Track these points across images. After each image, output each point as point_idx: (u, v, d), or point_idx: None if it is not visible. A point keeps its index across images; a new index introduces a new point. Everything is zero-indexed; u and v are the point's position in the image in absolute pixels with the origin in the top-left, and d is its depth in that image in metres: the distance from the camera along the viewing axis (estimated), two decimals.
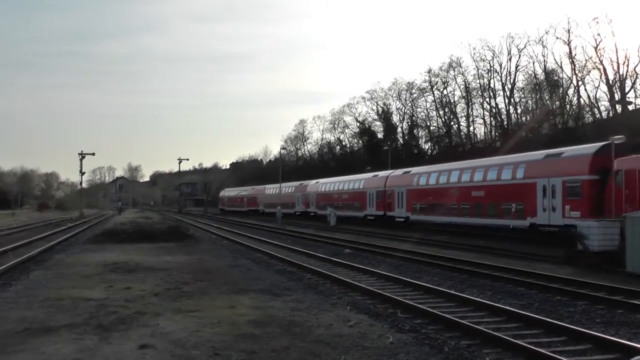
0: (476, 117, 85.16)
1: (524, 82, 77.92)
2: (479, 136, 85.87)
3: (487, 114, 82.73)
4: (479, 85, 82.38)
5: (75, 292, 17.06)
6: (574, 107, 71.07)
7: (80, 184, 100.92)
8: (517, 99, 79.21)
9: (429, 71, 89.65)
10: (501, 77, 78.70)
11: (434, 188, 46.06)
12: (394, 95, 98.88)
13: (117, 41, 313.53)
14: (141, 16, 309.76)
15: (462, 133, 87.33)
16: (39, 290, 17.72)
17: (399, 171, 55.36)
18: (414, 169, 52.23)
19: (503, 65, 78.47)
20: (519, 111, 79.50)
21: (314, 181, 77.58)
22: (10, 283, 19.42)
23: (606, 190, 29.13)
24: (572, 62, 69.40)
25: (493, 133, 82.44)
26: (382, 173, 58.52)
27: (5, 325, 12.60)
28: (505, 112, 79.41)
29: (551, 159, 34.50)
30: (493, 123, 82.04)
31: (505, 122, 78.98)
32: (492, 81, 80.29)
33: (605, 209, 28.77)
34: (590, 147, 32.69)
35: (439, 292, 16.67)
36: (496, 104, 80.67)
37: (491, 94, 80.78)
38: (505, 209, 36.88)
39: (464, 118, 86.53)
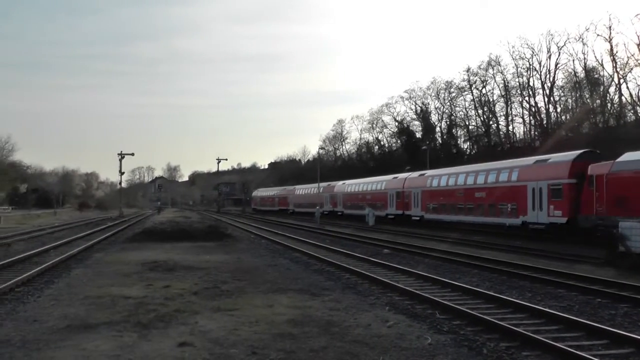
0: (515, 116, 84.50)
1: (563, 81, 77.17)
2: (518, 135, 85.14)
3: (527, 113, 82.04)
4: (518, 83, 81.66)
5: (114, 290, 17.25)
6: (615, 105, 70.15)
7: (120, 183, 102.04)
8: (557, 98, 78.38)
9: (468, 70, 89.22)
10: (540, 75, 77.99)
11: (444, 189, 50.52)
12: (433, 94, 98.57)
13: (151, 43, 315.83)
14: (177, 18, 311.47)
15: (501, 132, 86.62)
16: (79, 288, 17.95)
17: (416, 173, 59.67)
18: (429, 172, 57.05)
19: (542, 64, 77.73)
20: (558, 110, 78.66)
21: (340, 182, 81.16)
22: (52, 280, 19.76)
23: (582, 192, 33.22)
24: (614, 60, 68.49)
25: (532, 132, 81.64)
26: (401, 175, 62.53)
27: (48, 322, 12.80)
28: (544, 111, 78.53)
29: (539, 164, 39.28)
30: (532, 122, 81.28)
31: (544, 121, 78.12)
32: (531, 80, 79.59)
33: (581, 209, 33.17)
34: (571, 154, 37.39)
35: (477, 293, 16.54)
36: (535, 103, 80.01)
37: (530, 92, 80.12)
38: (502, 209, 41.57)
39: (503, 117, 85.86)
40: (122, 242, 37.65)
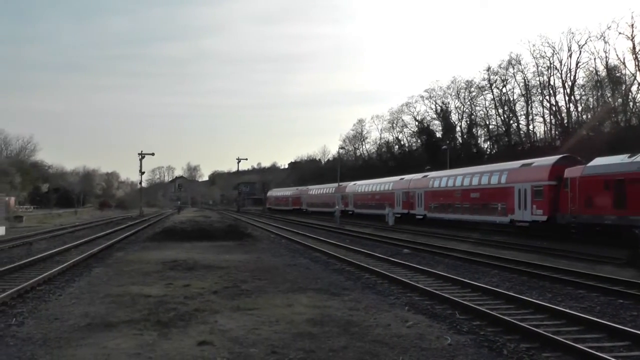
0: (536, 115, 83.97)
1: (584, 79, 76.63)
2: (538, 135, 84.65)
3: (547, 112, 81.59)
4: (538, 82, 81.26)
5: (135, 288, 17.34)
6: (637, 104, 69.60)
7: (140, 183, 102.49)
8: (578, 97, 77.85)
9: (488, 69, 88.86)
10: (561, 74, 77.54)
11: (444, 190, 54.24)
12: (453, 93, 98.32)
13: (176, 43, 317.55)
14: (200, 19, 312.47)
15: (521, 132, 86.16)
16: (100, 286, 18.05)
17: (419, 175, 63.26)
18: (431, 174, 60.82)
19: (563, 62, 77.38)
20: (579, 109, 78.05)
21: (352, 183, 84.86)
22: (73, 279, 19.90)
23: (560, 193, 37.08)
24: (636, 58, 67.97)
25: (553, 132, 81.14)
26: (407, 176, 65.92)
27: (69, 320, 12.89)
28: (565, 110, 78.10)
29: (524, 168, 43.31)
30: (553, 121, 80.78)
31: (565, 121, 77.60)
32: (552, 78, 79.16)
33: (560, 208, 36.87)
34: (551, 159, 41.49)
35: (497, 294, 16.44)
36: (556, 102, 79.58)
37: (551, 91, 79.65)
38: (494, 208, 45.21)
39: (524, 116, 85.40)
40: (142, 241, 37.82)
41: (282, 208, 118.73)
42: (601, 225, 32.92)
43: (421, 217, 58.01)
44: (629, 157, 32.67)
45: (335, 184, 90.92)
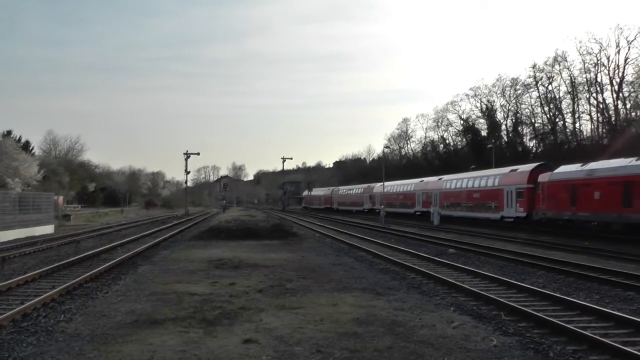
0: (582, 113, 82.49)
1: (633, 76, 74.72)
2: (585, 133, 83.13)
3: (594, 109, 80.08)
4: (585, 79, 79.71)
5: (180, 287, 17.47)
6: None
7: (186, 182, 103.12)
8: (626, 94, 75.98)
9: (534, 66, 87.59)
10: (609, 70, 75.99)
11: (453, 191, 62.00)
12: (498, 91, 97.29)
13: (223, 44, 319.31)
14: (243, 19, 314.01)
15: (567, 130, 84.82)
16: (146, 284, 18.21)
17: (435, 178, 71.13)
18: (445, 177, 67.46)
19: (611, 59, 75.95)
20: (628, 106, 76.30)
21: (379, 184, 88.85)
22: (120, 277, 20.13)
23: (535, 194, 45.31)
24: None
25: (600, 130, 79.70)
26: (426, 179, 73.58)
27: (116, 317, 13.03)
28: (613, 108, 76.61)
29: (511, 173, 51.53)
30: (600, 119, 79.28)
31: (613, 118, 76.20)
32: (599, 75, 77.62)
33: (535, 206, 45.17)
34: (530, 166, 50.25)
35: (544, 295, 16.24)
36: (603, 99, 78.13)
37: (598, 88, 78.16)
38: (489, 206, 53.19)
39: (570, 114, 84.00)
40: (187, 239, 38.09)
41: (315, 207, 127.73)
42: (562, 219, 41.49)
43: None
44: (581, 165, 41.11)
45: (365, 185, 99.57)
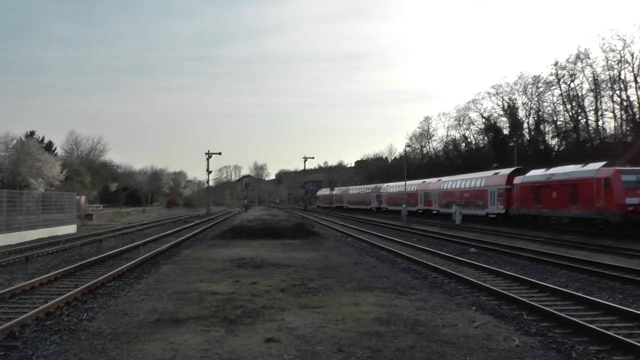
0: (605, 110, 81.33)
1: None
2: (608, 131, 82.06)
3: (617, 107, 79.18)
4: (608, 77, 78.75)
5: (202, 286, 17.53)
6: None
7: (207, 182, 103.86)
8: None
9: (556, 64, 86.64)
10: (633, 67, 74.75)
11: (449, 191, 69.74)
12: (520, 89, 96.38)
13: (241, 44, 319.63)
14: (262, 19, 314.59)
15: (590, 128, 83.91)
16: (168, 283, 18.30)
17: (435, 179, 78.38)
18: (443, 178, 75.08)
19: (635, 55, 74.69)
20: None
21: (385, 184, 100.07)
22: (142, 276, 20.27)
23: (511, 194, 53.18)
24: None
25: (624, 127, 78.84)
26: (427, 180, 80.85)
27: (138, 316, 13.10)
28: (637, 105, 75.62)
29: (494, 175, 59.48)
30: (624, 117, 78.40)
31: (637, 116, 75.36)
32: (622, 72, 76.64)
33: (511, 205, 52.96)
34: (508, 170, 58.18)
35: (566, 294, 16.13)
36: (627, 97, 77.00)
37: (622, 86, 77.05)
38: (477, 204, 60.74)
39: (592, 112, 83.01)
40: (209, 239, 38.23)
41: (327, 205, 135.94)
42: (530, 215, 49.41)
43: (436, 212, 72.53)
44: (545, 170, 49.27)
45: (372, 185, 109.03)
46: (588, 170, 42.23)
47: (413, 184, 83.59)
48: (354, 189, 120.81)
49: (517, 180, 52.11)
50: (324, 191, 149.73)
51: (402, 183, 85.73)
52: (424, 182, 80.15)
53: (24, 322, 12.28)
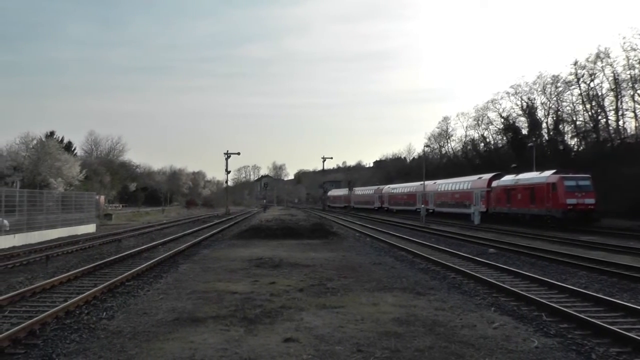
0: (626, 110, 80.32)
1: None
2: (629, 131, 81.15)
3: (638, 107, 78.36)
4: (629, 76, 77.73)
5: (221, 285, 17.58)
6: None
7: (226, 182, 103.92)
8: None
9: (575, 63, 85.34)
10: None
11: (443, 192, 77.65)
12: (539, 89, 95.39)
13: (259, 44, 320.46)
14: (282, 19, 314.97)
15: (610, 128, 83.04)
16: (187, 282, 18.37)
17: (432, 182, 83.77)
18: (439, 181, 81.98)
19: None
20: None
21: (387, 186, 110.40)
22: (161, 275, 20.37)
23: (490, 195, 61.51)
24: None
25: None
26: (427, 182, 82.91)
27: (157, 315, 13.15)
28: None
29: (479, 179, 67.07)
30: None
31: None
32: None
33: (490, 204, 61.26)
34: (489, 175, 65.43)
35: (586, 296, 16.07)
36: None
37: None
38: (465, 204, 67.93)
39: (613, 112, 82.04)
40: (228, 238, 38.33)
41: (336, 205, 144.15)
42: (502, 213, 58.16)
43: (432, 210, 78.34)
44: (514, 176, 58.34)
45: (375, 187, 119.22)
46: (542, 177, 52.21)
47: (412, 186, 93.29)
48: (359, 190, 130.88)
49: (494, 184, 61.71)
50: (334, 192, 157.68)
51: (402, 185, 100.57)
52: (421, 184, 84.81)
53: (44, 321, 12.36)
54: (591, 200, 47.84)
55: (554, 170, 51.72)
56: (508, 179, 59.11)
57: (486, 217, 60.49)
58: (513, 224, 53.97)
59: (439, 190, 79.09)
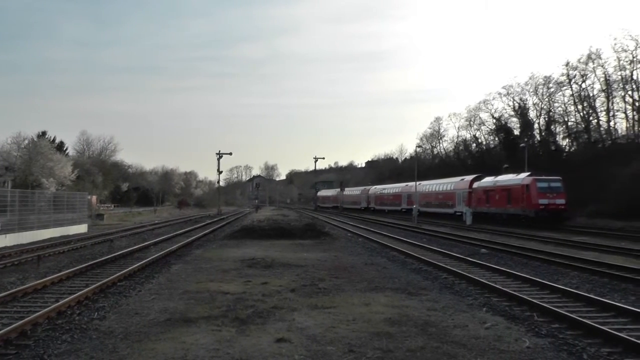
0: (617, 111, 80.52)
1: None
2: (620, 131, 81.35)
3: (629, 107, 78.49)
4: (620, 77, 77.99)
5: (213, 285, 17.56)
6: None
7: (218, 182, 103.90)
8: None
9: (567, 64, 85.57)
10: None
11: (427, 193, 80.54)
12: (531, 90, 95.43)
13: (253, 44, 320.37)
14: (275, 19, 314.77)
15: (601, 128, 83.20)
16: (179, 283, 18.36)
17: (417, 183, 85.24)
18: (424, 182, 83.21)
19: None
20: None
21: (373, 187, 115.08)
22: (153, 275, 20.37)
23: (472, 196, 64.62)
24: None
25: (636, 128, 78.12)
26: (409, 183, 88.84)
27: (149, 315, 13.15)
28: None
29: (461, 181, 70.75)
30: (636, 117, 77.67)
31: None
32: (634, 73, 75.96)
33: (471, 204, 63.38)
34: (471, 177, 68.89)
35: (577, 296, 16.10)
36: (639, 97, 76.79)
37: (634, 86, 76.13)
38: (448, 204, 71.88)
39: (604, 113, 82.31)
40: (220, 239, 38.32)
41: (325, 205, 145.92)
42: (482, 212, 60.40)
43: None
44: (493, 178, 61.98)
45: (362, 187, 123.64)
46: (517, 179, 55.99)
47: (397, 187, 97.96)
48: (348, 191, 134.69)
49: (475, 185, 65.38)
50: (323, 192, 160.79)
51: (388, 186, 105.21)
52: (406, 185, 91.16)
53: (35, 321, 12.35)
54: (562, 201, 51.44)
55: (528, 173, 56.77)
56: (488, 180, 63.24)
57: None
58: (493, 223, 55.94)
59: (424, 191, 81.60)
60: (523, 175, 56.06)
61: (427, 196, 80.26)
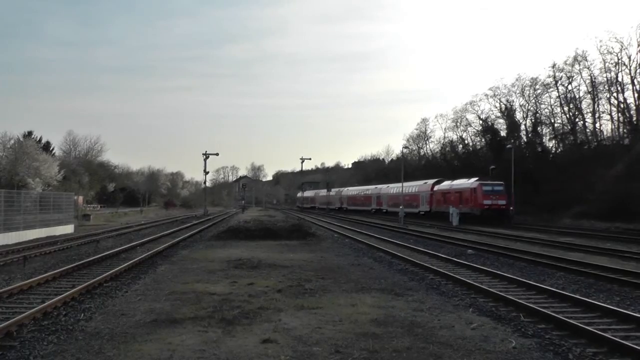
0: (603, 113, 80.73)
1: None
2: (605, 133, 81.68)
3: (615, 109, 78.80)
4: (605, 79, 78.16)
5: (199, 286, 17.54)
6: None
7: (204, 183, 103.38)
8: None
9: (553, 66, 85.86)
10: (630, 70, 74.11)
11: (394, 194, 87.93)
12: (517, 91, 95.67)
13: (240, 45, 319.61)
14: (262, 19, 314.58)
15: (587, 130, 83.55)
16: (165, 283, 18.33)
17: (385, 185, 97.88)
18: (391, 185, 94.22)
19: (632, 58, 73.93)
20: None
21: (345, 188, 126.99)
22: (139, 276, 20.31)
23: (433, 198, 74.48)
24: None
25: (621, 130, 78.60)
26: (379, 185, 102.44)
27: (135, 316, 13.12)
28: (634, 108, 75.41)
29: (424, 184, 79.71)
30: (621, 119, 78.07)
31: (634, 118, 74.93)
32: (620, 75, 76.22)
33: (432, 205, 74.20)
34: (433, 180, 78.39)
35: (563, 297, 16.19)
36: (624, 99, 76.41)
37: (619, 88, 76.30)
38: (413, 204, 79.32)
39: (590, 114, 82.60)
40: (207, 239, 38.25)
41: (304, 206, 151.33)
42: (440, 212, 68.92)
43: (385, 210, 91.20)
44: (450, 182, 71.18)
45: (336, 189, 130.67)
46: (467, 183, 65.67)
47: (368, 189, 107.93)
48: (323, 192, 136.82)
49: (436, 188, 75.24)
50: (306, 194, 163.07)
51: (360, 188, 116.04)
52: (376, 187, 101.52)
53: (21, 322, 12.29)
54: (503, 202, 61.86)
55: (477, 178, 66.00)
56: (446, 184, 73.47)
57: (428, 215, 75.28)
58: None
59: (391, 192, 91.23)
60: (472, 180, 65.76)
61: (394, 198, 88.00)
